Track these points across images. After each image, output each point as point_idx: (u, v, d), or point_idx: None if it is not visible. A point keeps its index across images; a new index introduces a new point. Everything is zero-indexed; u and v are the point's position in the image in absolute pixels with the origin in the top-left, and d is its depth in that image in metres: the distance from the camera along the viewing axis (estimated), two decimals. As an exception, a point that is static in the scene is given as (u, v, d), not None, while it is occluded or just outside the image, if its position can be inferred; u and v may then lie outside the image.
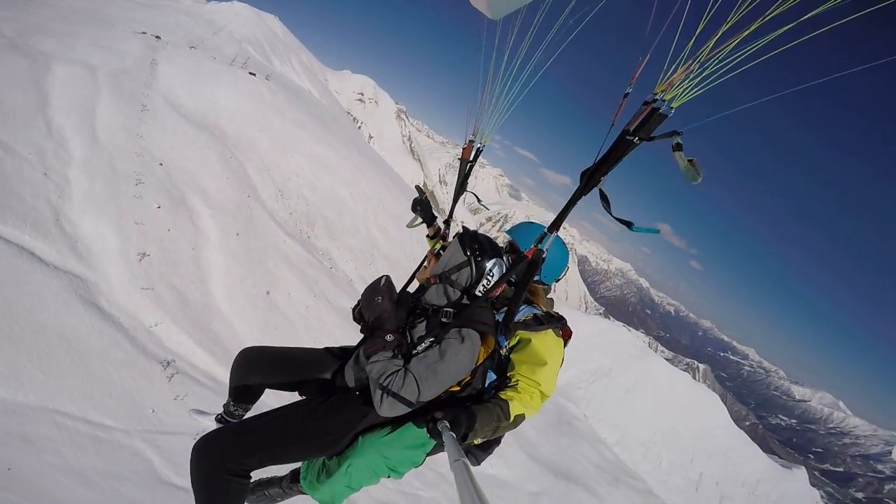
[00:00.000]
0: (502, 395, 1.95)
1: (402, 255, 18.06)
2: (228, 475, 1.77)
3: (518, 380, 2.00)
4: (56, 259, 5.43)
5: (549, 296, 2.38)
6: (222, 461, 1.76)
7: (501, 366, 2.11)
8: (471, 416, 1.74)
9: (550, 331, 2.13)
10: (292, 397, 2.13)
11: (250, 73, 15.38)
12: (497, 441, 2.10)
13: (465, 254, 2.02)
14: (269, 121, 12.56)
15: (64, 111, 8.16)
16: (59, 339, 4.08)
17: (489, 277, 2.00)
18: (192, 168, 9.12)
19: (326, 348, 2.34)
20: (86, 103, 8.80)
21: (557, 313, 2.27)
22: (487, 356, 1.97)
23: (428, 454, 2.00)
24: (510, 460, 11.70)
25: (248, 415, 2.35)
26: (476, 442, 1.89)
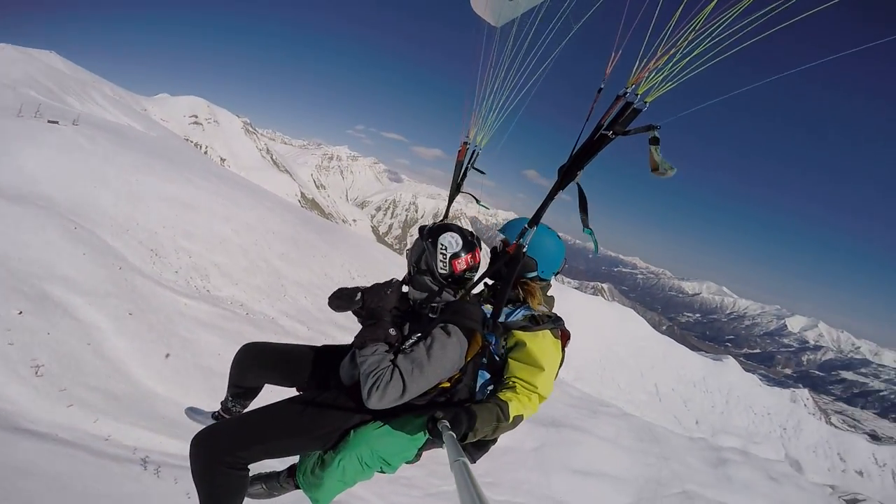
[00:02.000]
0: (501, 395, 2.07)
1: (313, 276, 17.90)
2: (226, 468, 1.96)
3: (516, 382, 2.13)
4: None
5: (548, 293, 2.47)
6: (219, 455, 1.94)
7: (494, 365, 2.25)
8: (471, 416, 1.86)
9: (548, 332, 2.22)
10: (290, 393, 2.38)
11: (50, 122, 13.25)
12: (493, 440, 2.18)
13: (421, 240, 2.29)
14: (100, 172, 11.23)
15: None
16: (20, 475, 3.79)
17: (444, 252, 2.20)
18: (36, 255, 8.02)
19: (325, 346, 2.52)
20: None
21: (555, 314, 2.35)
22: (477, 353, 2.11)
23: (421, 449, 2.14)
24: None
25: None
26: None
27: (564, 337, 2.30)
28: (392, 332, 2.00)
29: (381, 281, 2.21)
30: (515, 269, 2.08)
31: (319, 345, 2.53)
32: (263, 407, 2.13)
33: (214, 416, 2.73)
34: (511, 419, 2.02)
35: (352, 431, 2.08)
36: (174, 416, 6.53)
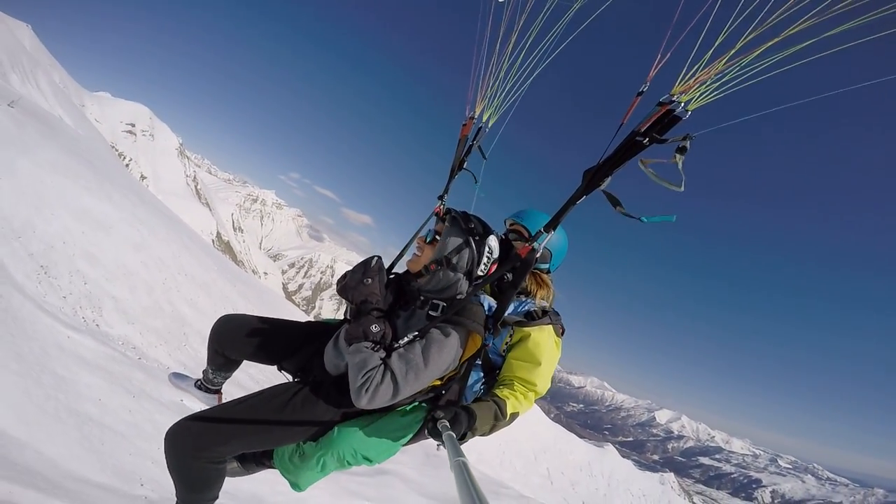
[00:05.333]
0: (499, 393, 2.01)
1: (221, 328, 16.04)
2: (204, 462, 1.87)
3: (514, 380, 2.06)
4: None
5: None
6: (197, 450, 1.84)
7: (488, 363, 2.15)
8: (471, 415, 1.78)
9: (550, 327, 2.14)
10: (269, 371, 2.33)
11: None
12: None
13: (464, 235, 2.05)
14: (13, 164, 9.30)
15: None
16: None
17: (489, 255, 2.06)
18: None
19: (308, 322, 2.38)
20: None
21: (553, 309, 2.27)
22: (473, 354, 2.00)
23: (404, 445, 2.04)
24: (410, 504, 11.90)
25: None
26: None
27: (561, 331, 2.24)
28: (374, 328, 1.84)
29: (361, 265, 2.02)
30: (526, 273, 1.99)
31: (303, 321, 2.39)
32: (244, 399, 1.99)
33: (197, 384, 2.62)
34: (508, 417, 1.96)
35: (335, 427, 1.96)
36: (32, 465, 5.09)
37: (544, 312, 2.18)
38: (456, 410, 1.76)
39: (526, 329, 2.11)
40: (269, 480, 2.17)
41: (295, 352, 2.23)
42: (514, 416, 2.01)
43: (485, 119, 2.43)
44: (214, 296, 17.54)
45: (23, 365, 6.55)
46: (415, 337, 1.87)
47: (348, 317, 2.02)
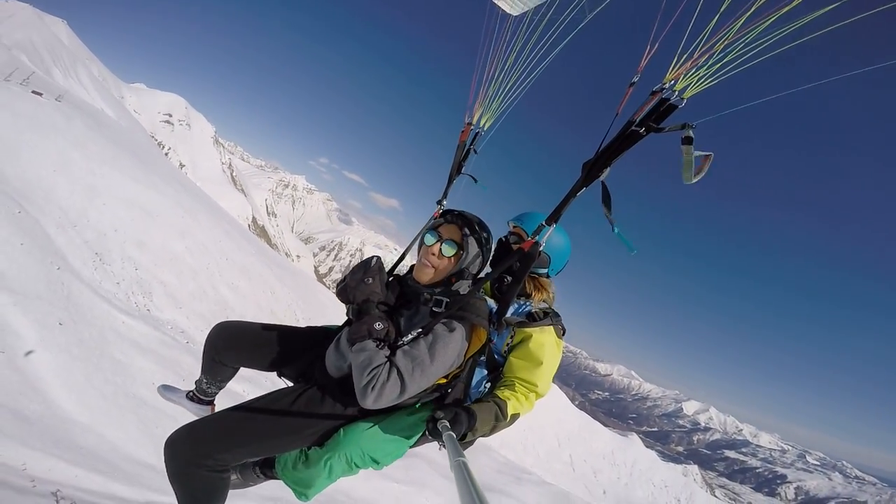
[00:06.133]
0: (500, 394, 1.99)
1: (260, 312, 16.58)
2: (206, 471, 1.78)
3: (515, 380, 2.05)
4: None
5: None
6: (199, 458, 1.76)
7: (493, 361, 2.14)
8: (471, 415, 1.76)
9: (551, 328, 2.14)
10: (269, 378, 2.20)
11: (34, 93, 11.55)
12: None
13: (479, 244, 2.05)
14: (66, 156, 9.76)
15: None
16: None
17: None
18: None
19: (308, 328, 2.30)
20: None
21: (553, 310, 2.26)
22: (478, 350, 1.97)
23: (411, 447, 1.99)
24: (439, 488, 12.08)
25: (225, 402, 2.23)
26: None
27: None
28: (378, 325, 1.78)
29: (360, 265, 1.94)
30: (529, 267, 1.93)
31: (302, 326, 2.29)
32: (245, 405, 1.89)
33: (189, 396, 2.48)
34: (509, 418, 1.93)
35: (340, 430, 1.89)
36: (95, 449, 5.37)
37: (545, 314, 2.17)
38: (456, 411, 1.73)
39: (527, 330, 2.10)
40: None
41: (295, 357, 2.16)
42: (515, 417, 1.99)
43: (482, 123, 2.46)
44: (254, 280, 18.10)
45: (83, 350, 6.91)
46: (419, 333, 1.82)
47: (351, 317, 1.93)
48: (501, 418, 1.90)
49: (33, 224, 7.88)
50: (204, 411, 2.46)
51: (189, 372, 9.25)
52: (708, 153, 1.46)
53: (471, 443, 2.02)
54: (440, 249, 2.01)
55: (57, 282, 7.51)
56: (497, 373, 2.13)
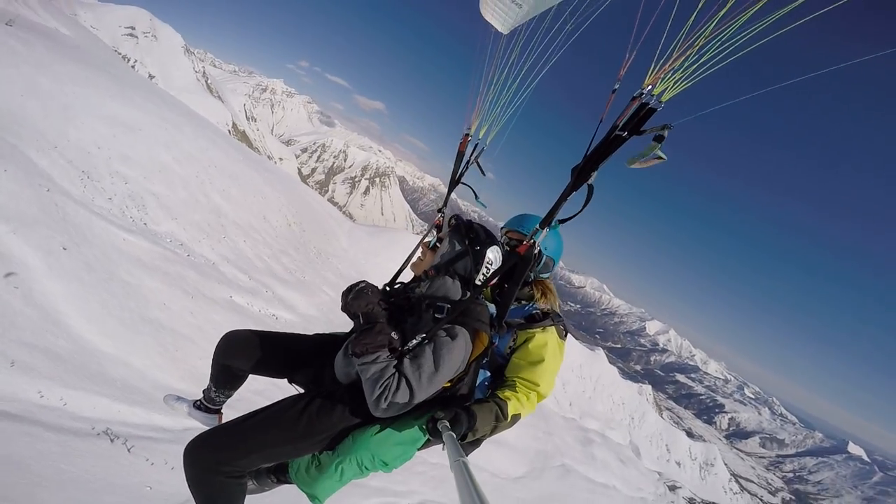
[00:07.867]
0: (501, 394, 2.03)
1: (253, 218, 16.37)
2: (224, 477, 1.88)
3: (516, 380, 2.10)
4: None
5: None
6: (216, 464, 1.85)
7: (495, 363, 2.19)
8: (471, 415, 1.81)
9: (553, 329, 2.19)
10: (280, 384, 2.23)
11: None
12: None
13: (463, 243, 2.12)
14: (33, 81, 8.75)
15: None
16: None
17: (488, 266, 2.10)
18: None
19: (316, 335, 2.38)
20: None
21: (556, 312, 2.31)
22: (481, 353, 2.02)
23: (419, 449, 2.06)
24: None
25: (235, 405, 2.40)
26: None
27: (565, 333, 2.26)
28: (395, 335, 1.88)
29: (346, 290, 2.00)
30: (526, 270, 2.01)
31: (310, 333, 2.38)
32: (260, 412, 1.99)
33: (196, 405, 2.55)
34: (509, 418, 1.99)
35: (350, 435, 2.00)
36: (127, 380, 5.67)
37: (546, 315, 2.23)
38: (456, 411, 1.80)
39: (530, 331, 2.17)
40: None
41: (304, 364, 2.23)
42: (516, 417, 2.03)
43: (481, 136, 2.50)
44: (244, 186, 17.52)
45: (92, 275, 6.86)
46: (423, 339, 1.88)
47: (358, 328, 2.00)
48: (502, 418, 1.94)
49: (11, 150, 7.26)
50: (212, 420, 2.53)
51: (195, 288, 9.40)
52: (663, 158, 1.55)
53: (476, 444, 2.10)
54: (429, 244, 2.22)
55: (50, 204, 7.15)
56: (500, 374, 2.18)
